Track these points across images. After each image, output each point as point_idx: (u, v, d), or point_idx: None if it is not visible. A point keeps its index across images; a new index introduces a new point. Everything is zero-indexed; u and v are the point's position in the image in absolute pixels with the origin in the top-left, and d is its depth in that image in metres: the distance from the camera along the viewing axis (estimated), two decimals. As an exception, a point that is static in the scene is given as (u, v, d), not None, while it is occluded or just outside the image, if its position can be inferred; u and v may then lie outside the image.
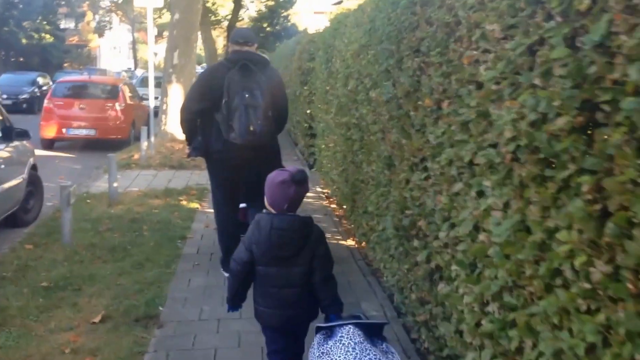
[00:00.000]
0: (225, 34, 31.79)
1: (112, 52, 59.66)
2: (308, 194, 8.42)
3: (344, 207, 6.65)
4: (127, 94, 14.28)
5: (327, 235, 6.79)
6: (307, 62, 10.40)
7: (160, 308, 4.47)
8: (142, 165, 10.33)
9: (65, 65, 43.72)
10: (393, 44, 3.83)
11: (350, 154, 5.45)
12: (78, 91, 14.04)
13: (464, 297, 2.58)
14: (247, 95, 4.59)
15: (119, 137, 13.42)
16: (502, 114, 2.14)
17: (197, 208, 7.66)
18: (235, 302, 2.97)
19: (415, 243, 3.40)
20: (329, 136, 6.81)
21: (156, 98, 12.51)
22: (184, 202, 7.90)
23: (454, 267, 2.73)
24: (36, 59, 37.22)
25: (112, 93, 13.89)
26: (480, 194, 2.40)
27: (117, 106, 13.54)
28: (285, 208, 2.80)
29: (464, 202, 2.59)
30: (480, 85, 2.43)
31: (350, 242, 6.19)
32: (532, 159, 1.93)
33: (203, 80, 4.92)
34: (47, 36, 39.49)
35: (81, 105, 13.48)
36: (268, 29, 31.78)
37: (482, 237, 2.35)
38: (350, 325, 2.47)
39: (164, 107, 11.88)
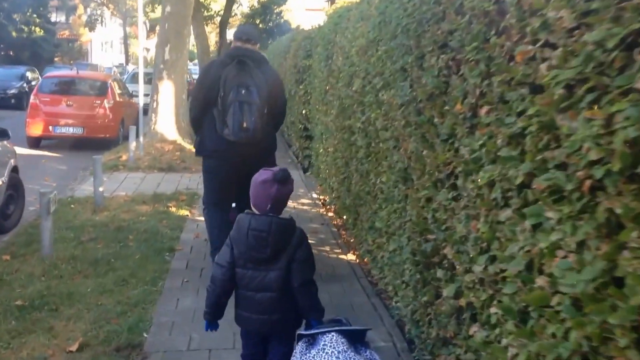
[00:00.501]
0: (218, 29, 31.18)
1: (104, 47, 58.89)
2: (303, 201, 7.82)
3: (344, 217, 6.13)
4: (117, 90, 13.72)
5: (326, 247, 6.31)
6: (303, 59, 9.90)
7: (145, 335, 3.97)
8: (130, 168, 9.79)
9: (56, 59, 42.99)
10: (411, 39, 3.33)
11: (354, 162, 4.95)
12: (65, 87, 13.45)
13: (509, 349, 2.08)
14: (242, 92, 4.56)
15: (107, 136, 12.85)
16: (577, 126, 1.63)
17: (187, 215, 7.14)
18: (214, 315, 2.85)
19: (439, 273, 2.89)
20: (328, 140, 6.30)
21: (146, 95, 11.96)
22: (173, 209, 7.37)
23: (494, 310, 2.23)
24: (26, 53, 36.45)
25: (101, 90, 13.32)
26: (538, 226, 1.90)
27: (106, 103, 12.97)
28: (269, 208, 2.72)
29: (511, 233, 2.08)
30: (537, 89, 1.92)
31: (351, 257, 5.69)
32: (631, 190, 1.43)
33: (202, 76, 4.96)
34: (38, 30, 38.75)
35: (68, 102, 12.90)
36: (261, 25, 31.19)
37: (540, 281, 1.85)
38: (333, 333, 2.40)
39: (154, 105, 11.33)
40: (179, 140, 11.12)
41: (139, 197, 7.94)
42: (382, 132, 3.94)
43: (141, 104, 10.41)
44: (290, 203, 7.64)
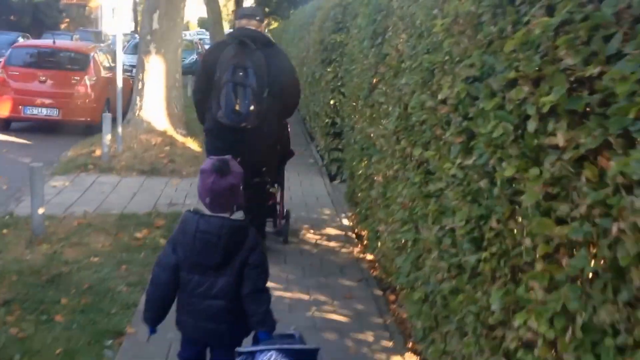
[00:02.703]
0: (233, -3, 28.72)
1: (114, 14, 56.42)
2: (329, 231, 5.73)
3: (397, 286, 3.89)
4: (102, 64, 11.48)
5: (367, 333, 3.74)
6: (332, 34, 7.63)
7: None
8: (102, 168, 7.60)
9: (63, 26, 40.73)
10: None
11: (435, 226, 2.68)
12: (39, 60, 11.22)
13: None
14: (240, 73, 4.39)
15: (88, 119, 10.65)
16: None
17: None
18: (155, 320, 2.61)
19: None
20: (377, 164, 4.02)
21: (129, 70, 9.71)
22: (141, 243, 5.19)
23: None
24: (27, 19, 34.18)
25: (82, 63, 11.10)
26: None
27: (87, 80, 10.77)
28: (208, 202, 2.48)
29: None
30: None
31: (411, 358, 3.50)
32: None
33: (204, 56, 5.01)
34: (40, -7, 36.38)
35: (42, 78, 10.71)
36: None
37: None
38: (273, 352, 2.19)
39: (139, 86, 9.10)
40: (170, 130, 8.89)
41: (100, 218, 5.77)
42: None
43: (119, 85, 8.20)
44: (311, 233, 5.51)
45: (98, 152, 8.04)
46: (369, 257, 5.02)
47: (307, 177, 7.93)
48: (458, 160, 2.26)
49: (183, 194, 6.82)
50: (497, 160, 1.90)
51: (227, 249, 2.44)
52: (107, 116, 7.97)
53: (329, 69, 7.66)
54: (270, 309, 2.54)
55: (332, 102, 7.64)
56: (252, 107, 4.34)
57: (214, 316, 2.50)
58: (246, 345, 2.43)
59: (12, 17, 34.73)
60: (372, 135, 4.22)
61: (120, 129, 8.22)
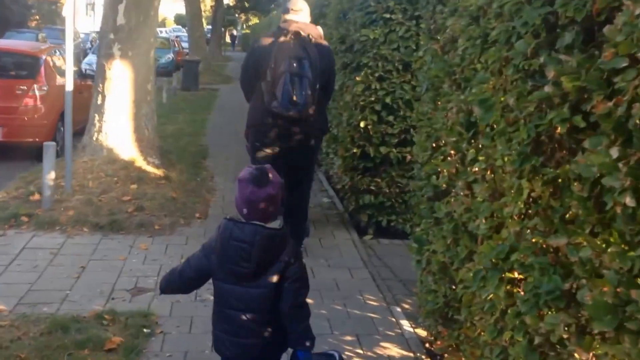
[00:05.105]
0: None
1: (88, 12, 53.59)
2: (387, 352, 3.97)
3: None
4: (59, 69, 9.19)
5: None
6: (362, 28, 5.53)
7: None
8: (40, 221, 5.36)
9: (32, 24, 38.16)
10: None
11: None
12: (-25, 65, 8.93)
13: None
14: (294, 64, 4.49)
15: (37, 140, 8.30)
16: None
17: None
18: (166, 293, 2.66)
19: None
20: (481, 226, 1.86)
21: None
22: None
23: None
24: (-9, 15, 31.49)
25: (30, 69, 8.79)
26: None
27: (36, 90, 8.47)
28: (246, 213, 2.40)
29: None
30: None
31: None
32: None
33: (252, 48, 4.98)
34: (5, -12, 33.63)
35: (-22, 88, 8.42)
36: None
37: None
38: None
39: (98, 101, 6.85)
40: (138, 160, 6.63)
41: (15, 332, 3.53)
42: None
43: (68, 101, 5.96)
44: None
45: (37, 196, 5.80)
46: None
47: (325, 228, 5.76)
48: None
49: (155, 268, 4.62)
50: None
51: (261, 258, 2.37)
52: (49, 146, 5.72)
53: (358, 78, 5.52)
54: (309, 325, 2.45)
55: (362, 124, 5.51)
56: (308, 98, 4.48)
57: (250, 330, 2.42)
58: None
59: (-26, 14, 32.03)
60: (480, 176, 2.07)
61: (70, 161, 5.98)
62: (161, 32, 45.32)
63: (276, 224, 2.42)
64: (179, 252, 4.88)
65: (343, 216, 6.11)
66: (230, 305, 2.42)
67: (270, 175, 2.42)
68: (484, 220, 2.53)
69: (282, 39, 4.53)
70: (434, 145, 3.28)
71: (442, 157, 3.11)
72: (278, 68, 4.45)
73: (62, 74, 9.09)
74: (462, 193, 2.82)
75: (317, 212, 6.23)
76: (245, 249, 2.35)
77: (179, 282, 2.55)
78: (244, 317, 2.40)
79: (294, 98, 4.43)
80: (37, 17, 41.30)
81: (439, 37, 3.14)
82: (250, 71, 4.77)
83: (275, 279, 2.37)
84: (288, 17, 4.72)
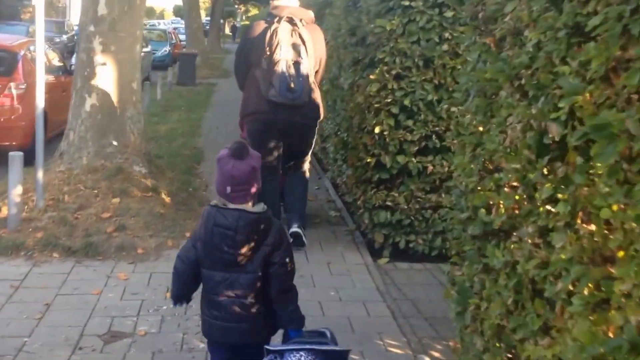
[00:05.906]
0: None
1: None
2: None
3: None
4: (37, 66, 8.40)
5: None
6: (375, 18, 4.79)
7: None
8: (2, 245, 4.63)
9: (26, 16, 37.33)
10: None
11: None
12: (-54, 61, 8.15)
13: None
14: (290, 51, 4.52)
15: (14, 144, 7.54)
16: None
17: None
18: (181, 300, 2.56)
19: None
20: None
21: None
22: None
23: None
24: (-19, 8, 30.62)
25: (6, 65, 8.04)
26: None
27: (13, 89, 7.73)
28: (230, 191, 2.37)
29: None
30: None
31: None
32: None
33: (245, 34, 5.12)
34: (-2, -21, 32.71)
35: (-51, 87, 7.66)
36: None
37: None
38: (302, 352, 2.18)
39: (77, 102, 6.09)
40: (123, 170, 5.85)
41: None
42: None
43: (39, 105, 5.23)
44: None
45: (4, 211, 5.06)
46: None
47: (334, 249, 5.01)
48: None
49: (135, 305, 3.88)
50: None
51: (246, 243, 2.35)
52: (15, 156, 4.97)
53: (372, 76, 4.76)
54: (297, 306, 2.50)
55: (377, 129, 4.76)
56: (305, 85, 4.55)
57: (240, 315, 2.41)
58: (276, 344, 2.44)
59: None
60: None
61: (40, 173, 5.23)
62: (159, 24, 44.66)
63: (259, 207, 2.41)
64: (165, 283, 4.11)
65: (354, 234, 5.36)
66: (219, 291, 2.42)
67: (248, 147, 2.45)
68: (571, 287, 1.79)
69: (275, 25, 4.57)
70: (481, 169, 2.53)
71: (495, 186, 2.36)
72: (274, 56, 4.50)
73: (46, 70, 8.36)
74: (530, 241, 2.07)
75: (325, 228, 5.48)
76: (230, 235, 2.34)
77: (180, 281, 2.50)
78: (232, 303, 2.41)
79: (292, 85, 4.49)
80: (31, 9, 40.52)
81: (491, 28, 2.38)
82: (245, 59, 4.78)
83: (261, 264, 2.38)
84: (277, 2, 4.75)
